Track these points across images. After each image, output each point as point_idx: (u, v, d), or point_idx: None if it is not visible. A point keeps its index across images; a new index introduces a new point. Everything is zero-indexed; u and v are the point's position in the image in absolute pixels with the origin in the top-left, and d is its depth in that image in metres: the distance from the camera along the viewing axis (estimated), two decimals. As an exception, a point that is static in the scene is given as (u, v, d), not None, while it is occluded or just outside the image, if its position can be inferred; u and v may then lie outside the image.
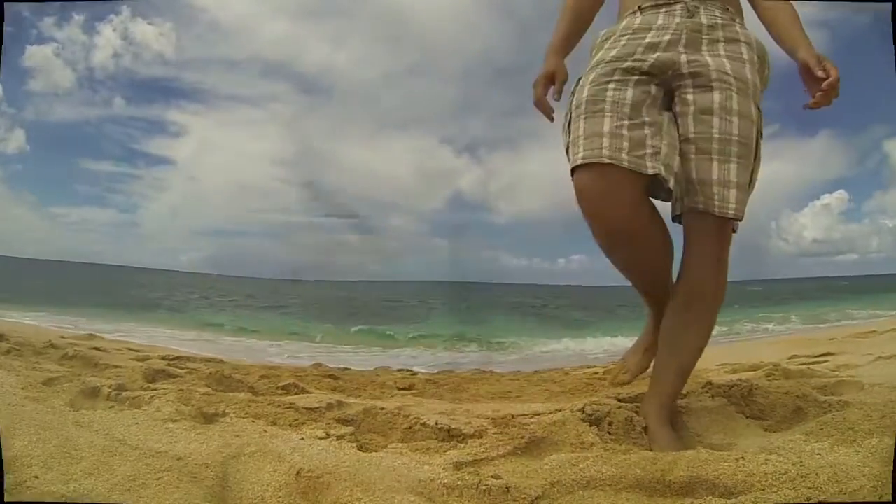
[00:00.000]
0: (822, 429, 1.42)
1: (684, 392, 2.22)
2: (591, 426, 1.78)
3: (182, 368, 2.92)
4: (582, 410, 1.89)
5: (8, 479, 1.06)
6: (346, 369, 4.83)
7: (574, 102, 1.37)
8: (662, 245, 1.47)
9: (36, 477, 1.08)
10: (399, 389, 3.02)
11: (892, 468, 1.10)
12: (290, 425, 1.76)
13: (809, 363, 2.98)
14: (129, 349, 4.48)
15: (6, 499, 1.01)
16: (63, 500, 1.03)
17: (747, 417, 1.89)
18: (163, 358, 3.57)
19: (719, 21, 1.36)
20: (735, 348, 7.41)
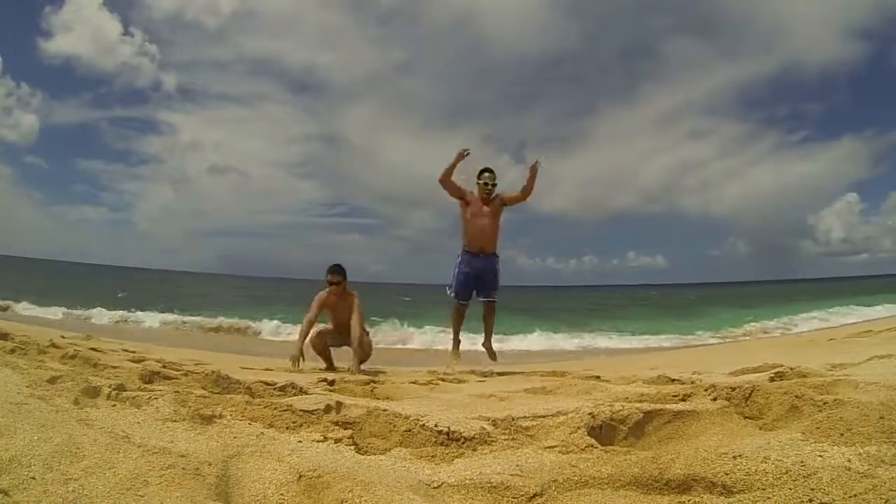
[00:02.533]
0: (818, 427, 1.42)
1: (687, 393, 2.23)
2: (590, 426, 1.80)
3: (178, 370, 2.92)
4: (581, 411, 1.90)
5: (13, 477, 1.06)
6: (348, 368, 4.83)
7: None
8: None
9: (33, 478, 1.08)
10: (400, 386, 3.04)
11: None
12: (288, 428, 1.76)
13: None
14: (125, 350, 4.49)
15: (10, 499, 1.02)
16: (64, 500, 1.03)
17: (746, 417, 1.90)
18: (158, 360, 3.58)
19: None
20: (739, 348, 7.45)
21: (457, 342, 4.96)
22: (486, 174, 4.70)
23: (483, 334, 4.92)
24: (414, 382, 3.46)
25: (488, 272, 4.71)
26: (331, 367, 4.64)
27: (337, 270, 4.64)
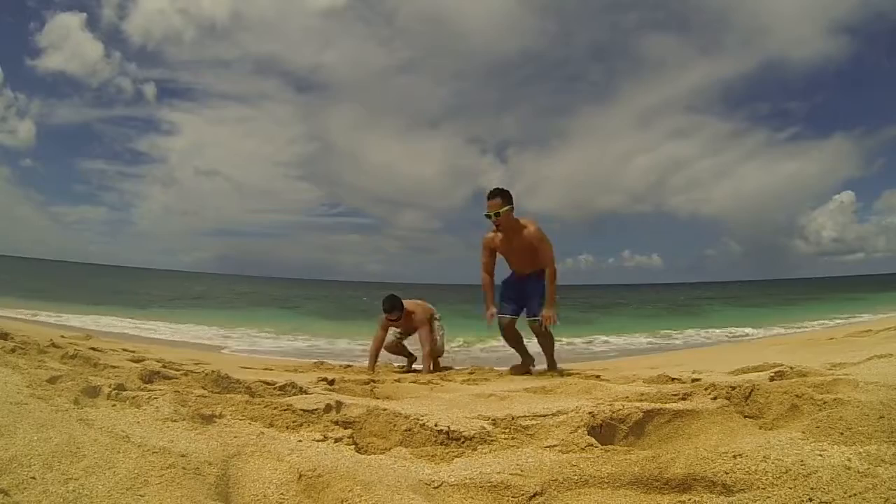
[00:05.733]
0: (818, 426, 1.42)
1: (687, 392, 2.22)
2: (590, 426, 1.80)
3: (178, 370, 2.92)
4: (581, 410, 1.90)
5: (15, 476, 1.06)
6: (348, 366, 4.85)
7: None
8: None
9: (33, 478, 1.08)
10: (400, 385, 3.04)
11: None
12: (288, 427, 1.76)
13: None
14: (125, 350, 4.49)
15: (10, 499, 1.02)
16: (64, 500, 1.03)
17: (746, 416, 1.90)
18: (157, 360, 3.58)
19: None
20: (739, 348, 7.45)
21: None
22: (488, 202, 3.96)
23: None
24: (414, 382, 3.47)
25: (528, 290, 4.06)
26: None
27: None
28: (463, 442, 1.70)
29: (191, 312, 14.74)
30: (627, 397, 2.27)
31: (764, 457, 1.25)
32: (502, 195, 3.94)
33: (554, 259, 3.96)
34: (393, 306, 4.69)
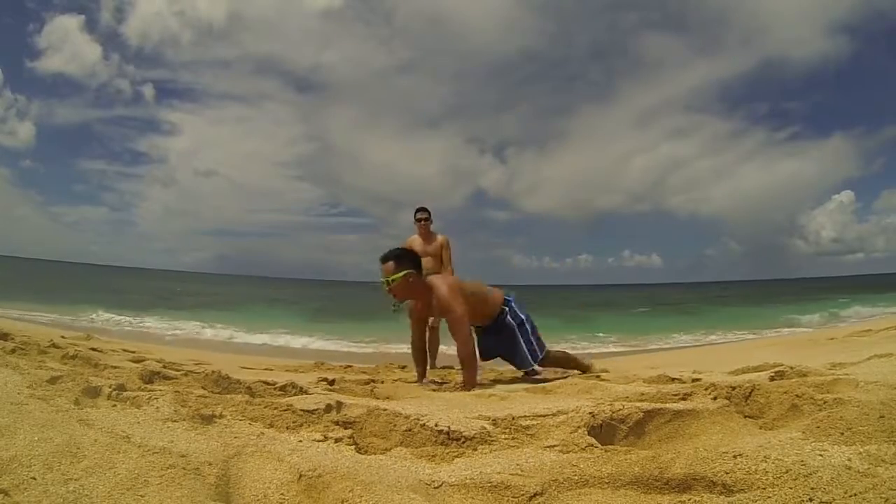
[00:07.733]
0: (818, 426, 1.42)
1: (687, 392, 2.22)
2: (590, 426, 1.80)
3: (178, 370, 2.92)
4: (581, 410, 1.90)
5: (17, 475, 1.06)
6: (348, 366, 4.85)
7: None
8: None
9: (34, 478, 1.08)
10: (400, 385, 3.04)
11: None
12: (288, 428, 1.76)
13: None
14: (125, 350, 4.49)
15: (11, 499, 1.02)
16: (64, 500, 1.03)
17: (746, 416, 1.90)
18: (158, 360, 3.58)
19: None
20: (739, 348, 7.45)
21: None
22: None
23: None
24: (414, 382, 3.47)
25: None
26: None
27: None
28: (463, 442, 1.70)
29: (168, 311, 14.77)
30: (627, 397, 2.27)
31: (764, 457, 1.25)
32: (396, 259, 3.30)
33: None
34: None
